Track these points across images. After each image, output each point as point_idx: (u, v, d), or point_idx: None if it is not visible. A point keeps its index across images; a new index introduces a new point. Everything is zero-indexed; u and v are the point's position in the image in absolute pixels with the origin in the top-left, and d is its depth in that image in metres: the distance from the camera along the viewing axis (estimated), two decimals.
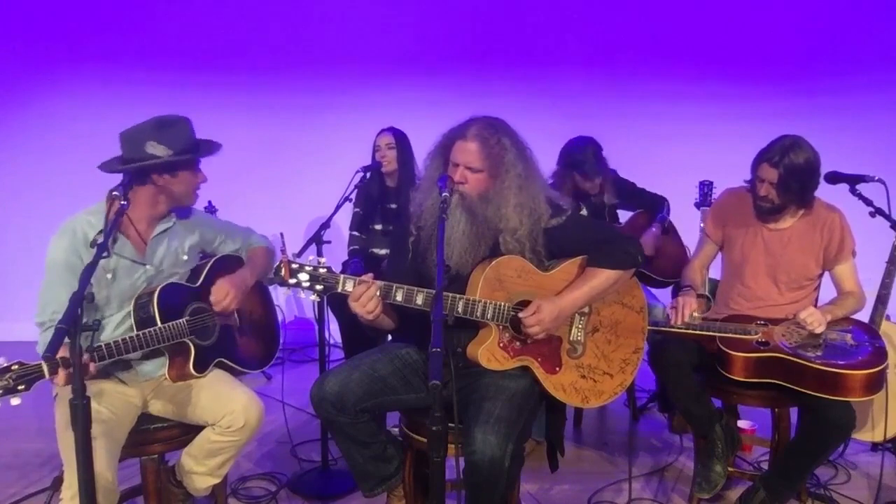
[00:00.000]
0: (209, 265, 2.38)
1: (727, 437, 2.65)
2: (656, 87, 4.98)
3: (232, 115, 4.79)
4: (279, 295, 4.61)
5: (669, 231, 3.54)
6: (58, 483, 2.59)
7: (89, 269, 1.79)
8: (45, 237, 2.15)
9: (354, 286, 1.99)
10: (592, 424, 3.67)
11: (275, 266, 1.97)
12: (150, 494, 2.29)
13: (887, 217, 2.70)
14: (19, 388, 1.75)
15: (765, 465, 3.01)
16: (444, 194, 2.04)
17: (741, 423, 3.16)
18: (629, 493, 2.78)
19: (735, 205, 2.78)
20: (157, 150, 2.11)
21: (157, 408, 2.27)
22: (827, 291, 2.74)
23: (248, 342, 2.46)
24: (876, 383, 2.39)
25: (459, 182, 2.13)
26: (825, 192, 2.68)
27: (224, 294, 2.25)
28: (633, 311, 2.31)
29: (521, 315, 2.09)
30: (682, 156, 4.63)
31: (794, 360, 2.42)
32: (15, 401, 1.76)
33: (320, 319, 2.91)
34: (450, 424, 1.71)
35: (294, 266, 1.97)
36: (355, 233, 3.56)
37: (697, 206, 3.40)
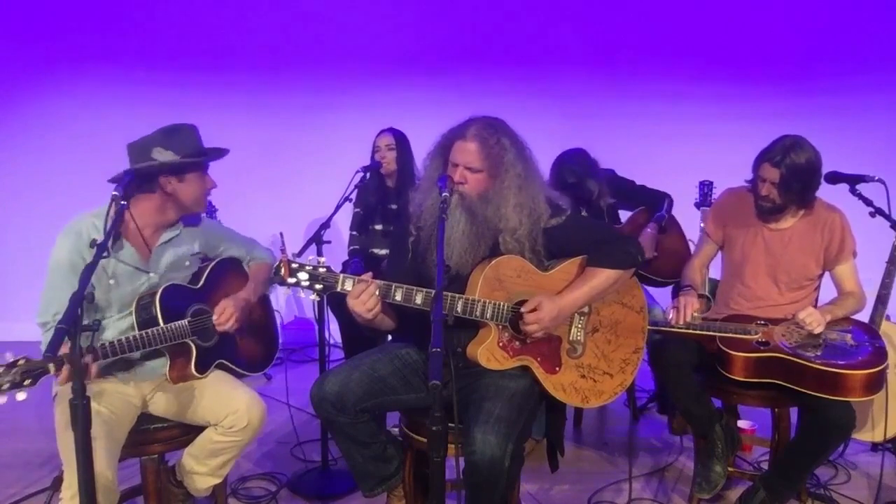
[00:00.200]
0: (210, 268, 2.38)
1: (727, 437, 2.65)
2: (656, 87, 4.98)
3: (232, 115, 4.79)
4: (279, 295, 4.62)
5: (668, 229, 3.49)
6: (58, 483, 2.58)
7: (89, 269, 1.79)
8: (45, 237, 2.15)
9: (354, 285, 2.00)
10: (592, 424, 3.67)
11: (274, 266, 1.97)
12: (150, 494, 2.29)
13: (887, 217, 2.70)
14: (25, 382, 1.75)
15: (765, 465, 3.00)
16: (443, 194, 2.04)
17: (741, 423, 3.16)
18: (629, 493, 2.78)
19: (736, 205, 2.78)
20: (163, 155, 2.12)
21: (157, 408, 2.27)
22: (827, 292, 2.74)
23: (248, 344, 2.46)
24: (876, 383, 2.39)
25: (459, 182, 2.13)
26: (825, 192, 2.68)
27: (228, 316, 2.25)
28: (633, 311, 2.31)
29: (521, 310, 2.09)
30: (682, 156, 4.62)
31: (794, 360, 2.42)
32: (21, 395, 1.76)
33: (320, 319, 2.91)
34: (450, 424, 1.71)
35: (294, 265, 1.97)
36: (355, 233, 3.56)
37: (697, 206, 3.40)
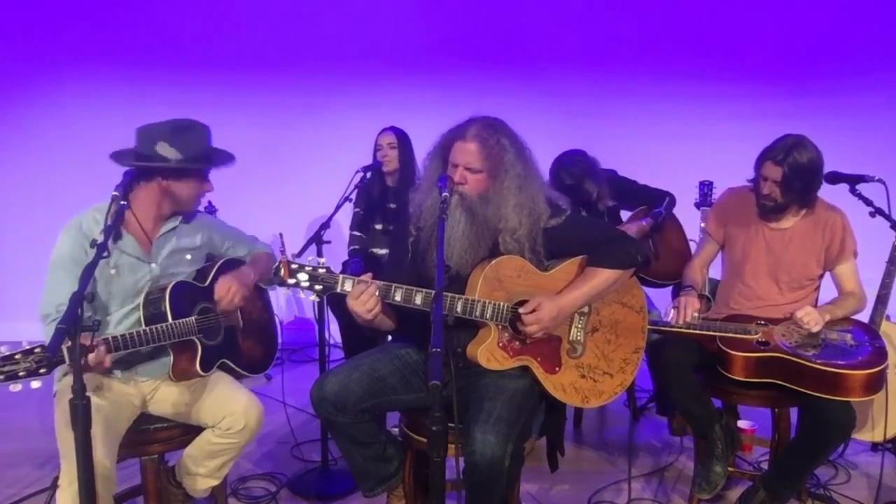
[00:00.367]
0: (216, 266, 2.38)
1: (727, 437, 2.65)
2: (656, 87, 4.97)
3: (232, 115, 4.78)
4: (279, 295, 4.62)
5: (664, 228, 3.46)
6: (57, 483, 2.59)
7: (89, 269, 1.80)
8: (45, 237, 2.16)
9: (353, 286, 2.00)
10: (592, 424, 3.67)
11: (274, 266, 1.97)
12: (149, 495, 2.29)
13: (887, 217, 2.70)
14: (41, 371, 1.76)
15: (765, 465, 3.00)
16: (443, 194, 2.04)
17: (741, 423, 3.16)
18: (629, 493, 2.78)
19: (737, 204, 2.78)
20: (167, 151, 2.12)
21: (156, 408, 2.27)
22: (827, 292, 2.74)
23: (249, 345, 2.47)
24: (876, 383, 2.39)
25: (459, 183, 2.13)
26: (825, 192, 2.68)
27: (227, 289, 2.25)
28: (633, 311, 2.31)
29: (520, 310, 2.09)
30: (682, 156, 4.62)
31: (794, 359, 2.42)
32: (35, 384, 1.77)
33: (320, 319, 2.92)
34: (450, 424, 1.71)
35: (293, 266, 1.97)
36: (355, 232, 3.56)
37: (697, 206, 3.40)
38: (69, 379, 1.70)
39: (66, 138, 5.00)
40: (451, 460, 1.86)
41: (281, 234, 2.04)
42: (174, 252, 2.29)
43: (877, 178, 2.68)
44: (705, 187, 3.41)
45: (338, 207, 3.08)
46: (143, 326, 2.09)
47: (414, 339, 2.31)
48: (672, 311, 2.61)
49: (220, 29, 5.01)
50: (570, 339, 2.22)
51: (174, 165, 2.13)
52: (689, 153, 4.67)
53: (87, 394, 1.66)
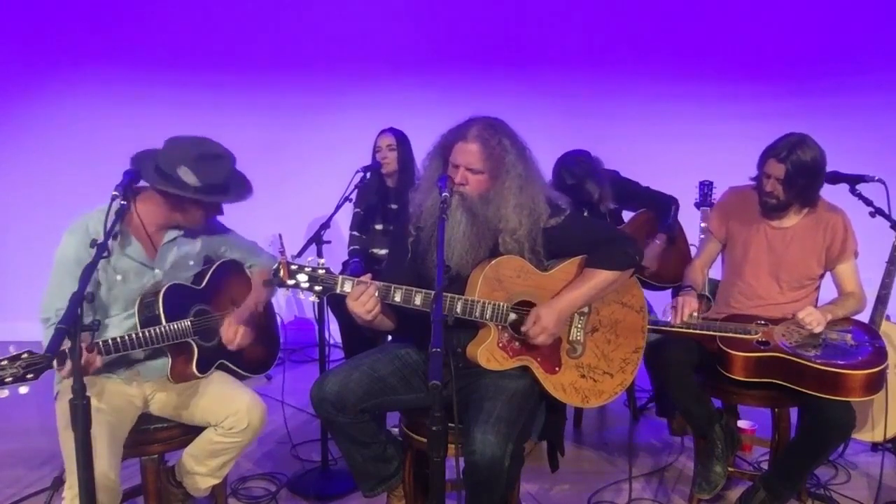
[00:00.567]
0: (212, 269, 2.38)
1: (727, 437, 2.65)
2: (656, 87, 4.97)
3: (232, 115, 4.78)
4: (279, 295, 4.62)
5: (677, 238, 3.45)
6: (58, 483, 2.60)
7: (89, 270, 1.80)
8: (46, 237, 2.15)
9: (353, 287, 1.99)
10: (592, 424, 3.67)
11: (273, 268, 1.97)
12: (149, 494, 2.29)
13: (887, 217, 2.70)
14: (28, 376, 1.76)
15: (765, 465, 3.00)
16: (444, 195, 2.04)
17: (741, 423, 3.16)
18: (629, 493, 2.78)
19: (739, 202, 2.78)
20: (188, 177, 2.12)
21: (158, 408, 2.27)
22: (827, 292, 2.74)
23: (249, 346, 2.46)
24: (876, 383, 2.39)
25: (460, 183, 2.13)
26: (825, 192, 2.68)
27: (234, 333, 2.27)
28: (633, 311, 2.31)
29: (523, 329, 2.10)
30: (682, 156, 4.62)
31: (795, 359, 2.42)
32: (23, 389, 1.77)
33: (320, 320, 2.92)
34: (450, 424, 1.71)
35: (293, 267, 1.97)
36: (355, 233, 3.56)
37: (697, 206, 3.39)
38: (70, 380, 1.70)
39: (67, 138, 5.00)
40: (451, 460, 1.86)
41: (280, 236, 2.04)
42: (179, 259, 2.30)
43: (877, 178, 2.68)
44: (705, 187, 3.41)
45: (338, 208, 3.08)
46: (139, 329, 2.09)
47: (414, 340, 2.31)
48: (671, 310, 2.61)
49: (220, 29, 5.01)
50: (570, 339, 2.22)
51: (191, 195, 2.13)
52: (689, 153, 4.67)
53: (87, 394, 1.66)
